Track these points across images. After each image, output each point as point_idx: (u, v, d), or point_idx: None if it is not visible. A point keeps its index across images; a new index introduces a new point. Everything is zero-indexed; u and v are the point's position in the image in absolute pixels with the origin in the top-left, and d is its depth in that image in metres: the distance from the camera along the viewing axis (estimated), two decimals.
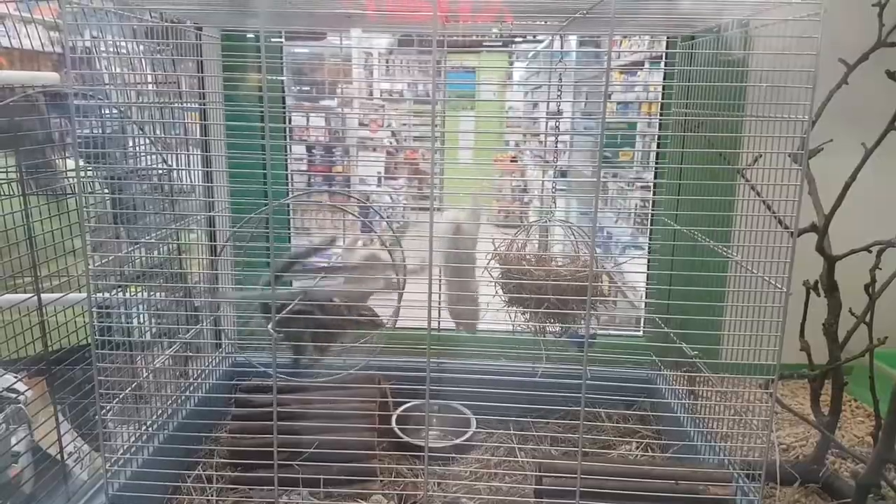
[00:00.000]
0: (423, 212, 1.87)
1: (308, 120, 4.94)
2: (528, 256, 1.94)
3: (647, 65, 4.17)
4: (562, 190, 2.31)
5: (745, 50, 1.59)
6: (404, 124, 4.62)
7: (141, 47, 1.77)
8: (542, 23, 1.75)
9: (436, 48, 1.27)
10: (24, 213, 1.65)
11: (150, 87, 1.83)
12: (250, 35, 2.16)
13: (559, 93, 2.00)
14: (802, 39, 1.32)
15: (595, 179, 1.30)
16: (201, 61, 1.98)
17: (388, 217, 2.20)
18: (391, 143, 6.02)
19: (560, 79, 1.98)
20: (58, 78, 1.94)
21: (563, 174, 2.53)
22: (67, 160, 1.98)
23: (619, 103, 4.57)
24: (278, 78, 2.28)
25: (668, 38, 2.15)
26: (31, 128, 1.73)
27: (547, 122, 2.31)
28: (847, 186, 1.69)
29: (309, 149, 5.29)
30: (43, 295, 1.68)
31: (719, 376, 1.73)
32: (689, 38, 1.94)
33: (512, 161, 6.49)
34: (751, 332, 1.48)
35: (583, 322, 1.91)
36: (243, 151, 1.99)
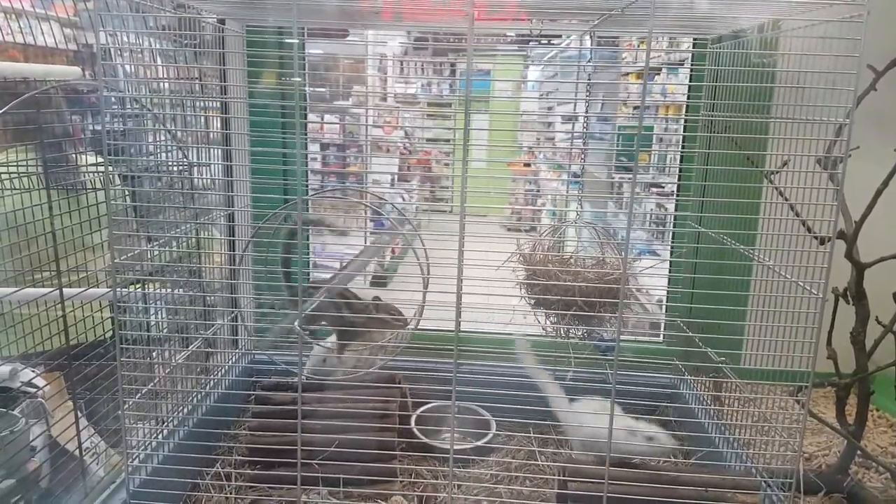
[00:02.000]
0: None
1: (323, 119, 4.96)
2: (552, 258, 1.92)
3: (664, 69, 4.16)
4: (584, 194, 2.28)
5: (779, 51, 1.57)
6: (418, 126, 4.62)
7: (166, 42, 1.76)
8: (574, 21, 1.73)
9: (471, 45, 1.26)
10: (48, 208, 1.64)
11: (175, 82, 1.82)
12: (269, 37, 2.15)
13: (587, 94, 1.98)
14: (838, 41, 1.30)
15: (631, 180, 1.28)
16: (224, 56, 1.97)
17: (406, 218, 2.18)
18: (405, 144, 6.03)
19: (589, 79, 1.95)
20: (79, 72, 1.94)
21: (577, 177, 2.52)
22: (85, 155, 1.97)
23: (635, 107, 4.56)
24: (301, 74, 2.26)
25: (694, 39, 2.13)
26: (50, 122, 1.73)
27: (573, 125, 2.29)
28: (879, 193, 1.67)
29: (323, 148, 5.30)
30: (65, 289, 1.68)
31: (747, 382, 1.70)
32: (717, 40, 1.92)
33: (525, 165, 6.50)
34: (780, 338, 1.46)
35: (607, 326, 1.90)
36: (266, 148, 1.98)
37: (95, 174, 1.84)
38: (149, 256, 1.68)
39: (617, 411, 1.79)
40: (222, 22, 1.95)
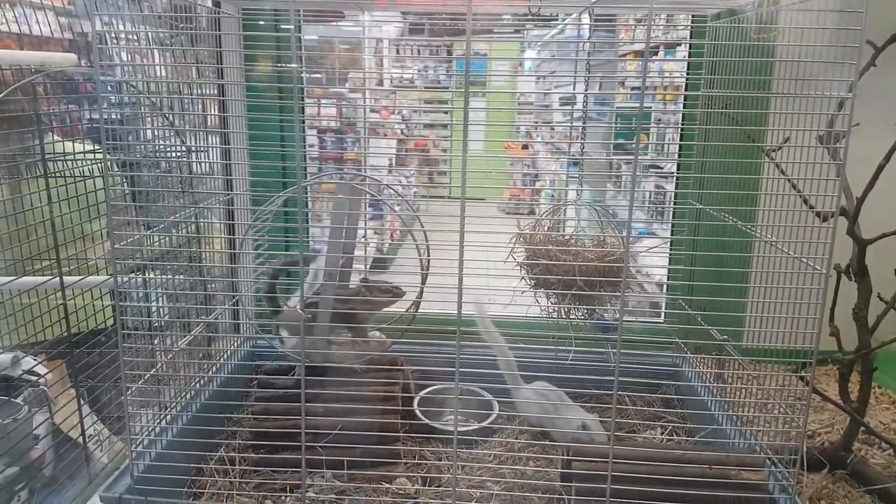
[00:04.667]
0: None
1: (319, 104, 4.93)
2: (554, 238, 1.92)
3: (662, 48, 4.13)
4: (583, 175, 2.27)
5: (779, 26, 1.55)
6: (415, 109, 4.61)
7: (161, 25, 1.74)
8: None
9: (470, 25, 1.25)
10: (47, 196, 1.64)
11: (171, 67, 1.80)
12: (262, 22, 2.14)
13: (586, 76, 1.96)
14: (837, 15, 1.29)
15: (633, 159, 1.28)
16: (219, 40, 1.95)
17: (403, 203, 2.17)
18: (403, 129, 6.01)
19: (588, 63, 1.93)
20: (75, 59, 1.92)
21: (575, 162, 2.50)
22: (83, 143, 1.96)
23: (633, 88, 4.54)
24: (298, 59, 2.25)
25: (693, 16, 2.11)
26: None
27: (573, 107, 2.28)
28: (880, 168, 1.66)
29: (321, 135, 5.29)
30: (65, 277, 1.67)
31: (751, 360, 1.69)
32: (716, 17, 1.91)
33: (523, 148, 6.50)
34: (783, 314, 1.45)
35: (608, 307, 1.90)
36: (264, 131, 1.96)
37: (93, 162, 1.83)
38: (149, 243, 1.67)
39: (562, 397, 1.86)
40: (217, 5, 1.93)
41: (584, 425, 1.78)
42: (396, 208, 2.20)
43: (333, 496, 1.61)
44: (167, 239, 1.75)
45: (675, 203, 2.36)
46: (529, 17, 1.82)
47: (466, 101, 1.31)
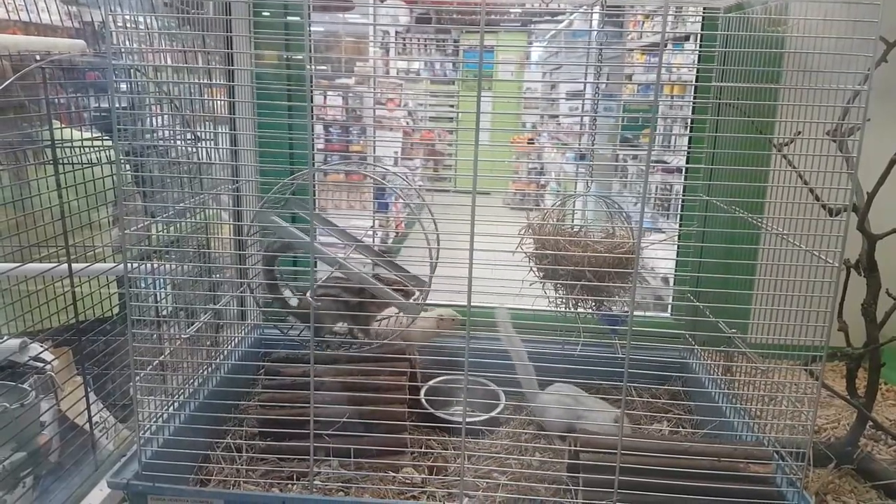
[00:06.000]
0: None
1: (325, 97, 4.93)
2: (564, 229, 1.91)
3: (670, 43, 4.12)
4: (592, 171, 2.26)
5: (792, 18, 1.54)
6: (421, 104, 4.60)
7: (170, 9, 1.73)
8: None
9: (483, 18, 1.24)
10: (56, 183, 1.64)
11: (180, 53, 1.79)
12: (266, 13, 2.12)
13: (598, 68, 1.94)
14: (852, 7, 1.28)
15: (646, 152, 1.27)
16: (230, 25, 1.94)
17: (412, 197, 2.16)
18: (409, 122, 6.00)
19: (600, 55, 1.91)
20: (83, 45, 1.91)
21: (583, 156, 2.48)
22: (91, 131, 1.96)
23: (639, 84, 4.52)
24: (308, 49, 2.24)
25: (704, 8, 2.10)
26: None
27: (582, 101, 2.26)
28: (892, 163, 1.66)
29: (326, 128, 5.28)
30: (74, 264, 1.67)
31: (760, 352, 1.69)
32: (729, 10, 1.90)
33: (529, 142, 6.48)
34: (793, 307, 1.45)
35: (617, 300, 1.89)
36: (274, 119, 1.96)
37: (101, 149, 1.83)
38: (157, 231, 1.67)
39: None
40: None
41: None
42: (403, 200, 2.19)
43: (340, 484, 1.61)
44: (176, 227, 1.75)
45: (683, 196, 2.35)
46: (537, 11, 1.80)
47: (479, 92, 1.30)
